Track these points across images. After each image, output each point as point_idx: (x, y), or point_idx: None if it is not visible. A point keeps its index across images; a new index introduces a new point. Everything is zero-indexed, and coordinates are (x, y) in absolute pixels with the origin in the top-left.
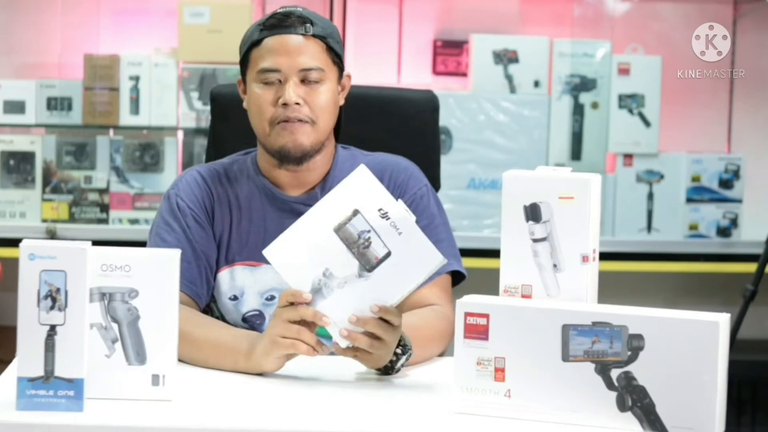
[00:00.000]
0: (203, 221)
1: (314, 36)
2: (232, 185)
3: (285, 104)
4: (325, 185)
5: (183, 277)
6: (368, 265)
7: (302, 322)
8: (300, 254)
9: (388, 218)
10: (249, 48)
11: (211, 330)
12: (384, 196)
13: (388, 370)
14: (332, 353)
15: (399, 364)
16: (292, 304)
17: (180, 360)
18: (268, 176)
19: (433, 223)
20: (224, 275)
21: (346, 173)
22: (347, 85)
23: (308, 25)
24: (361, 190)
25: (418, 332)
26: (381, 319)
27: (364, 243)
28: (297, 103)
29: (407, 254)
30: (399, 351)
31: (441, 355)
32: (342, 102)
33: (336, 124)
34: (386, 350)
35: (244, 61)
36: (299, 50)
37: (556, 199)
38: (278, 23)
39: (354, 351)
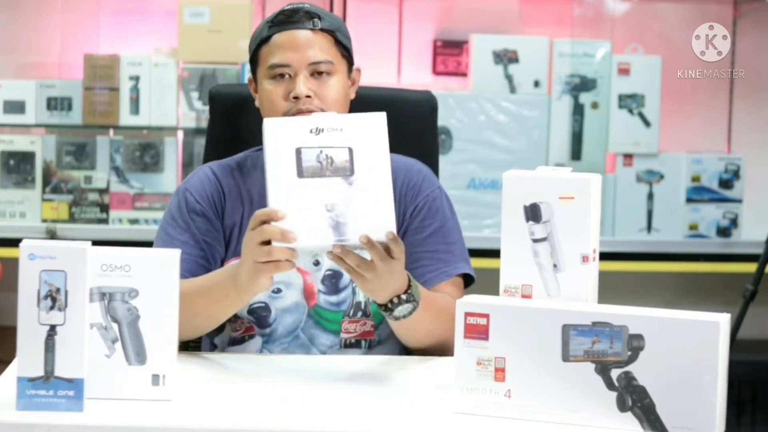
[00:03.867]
0: (210, 214)
1: (322, 30)
2: (245, 179)
3: (296, 97)
4: None
5: (183, 268)
6: (346, 171)
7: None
8: (298, 220)
9: (322, 130)
10: (258, 45)
11: (195, 281)
12: (302, 120)
13: (387, 310)
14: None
15: (399, 310)
16: (264, 223)
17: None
18: None
19: (445, 226)
20: None
21: None
22: (357, 79)
23: (316, 19)
24: (285, 134)
25: (429, 296)
26: (387, 249)
27: (328, 161)
28: (308, 96)
29: (360, 136)
30: (404, 297)
31: (442, 354)
32: (353, 96)
33: None
34: (377, 279)
35: (254, 59)
36: (308, 44)
37: (556, 199)
38: (286, 19)
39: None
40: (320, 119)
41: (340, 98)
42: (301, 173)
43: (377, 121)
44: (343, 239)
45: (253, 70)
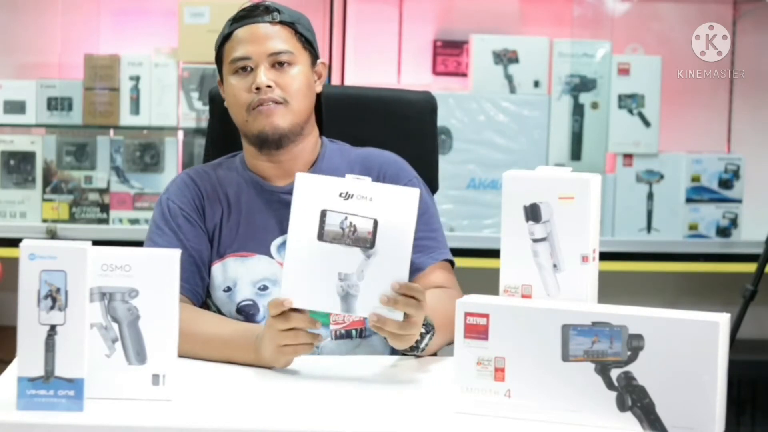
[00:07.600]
0: (194, 219)
1: (282, 23)
2: (221, 182)
3: (258, 89)
4: None
5: None
6: (367, 243)
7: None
8: (309, 281)
9: (352, 195)
10: (221, 43)
11: (216, 326)
12: (334, 182)
13: (414, 350)
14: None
15: (424, 344)
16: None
17: (185, 356)
18: (255, 170)
19: (427, 213)
20: (217, 268)
21: (335, 165)
22: (323, 72)
23: (275, 13)
24: (314, 193)
25: (436, 313)
26: (406, 296)
27: (351, 229)
28: (269, 86)
29: (388, 209)
30: (423, 330)
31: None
32: (319, 89)
33: (318, 115)
34: (415, 329)
35: (219, 58)
36: (268, 36)
37: (556, 199)
38: (247, 14)
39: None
40: (352, 184)
41: (302, 88)
42: (321, 236)
43: (409, 197)
44: (349, 314)
45: (220, 70)
